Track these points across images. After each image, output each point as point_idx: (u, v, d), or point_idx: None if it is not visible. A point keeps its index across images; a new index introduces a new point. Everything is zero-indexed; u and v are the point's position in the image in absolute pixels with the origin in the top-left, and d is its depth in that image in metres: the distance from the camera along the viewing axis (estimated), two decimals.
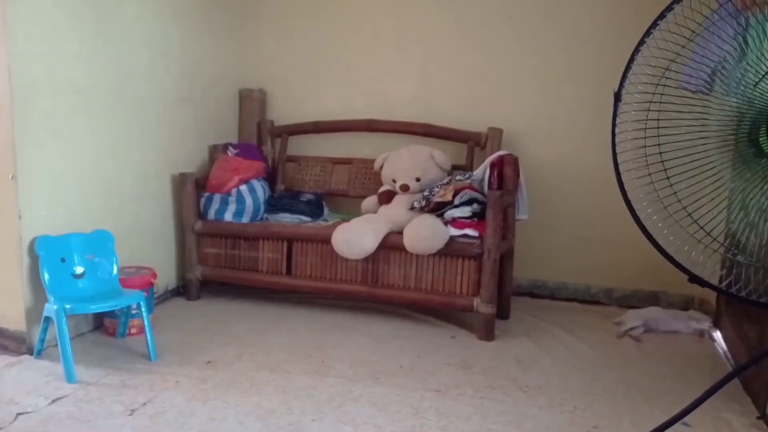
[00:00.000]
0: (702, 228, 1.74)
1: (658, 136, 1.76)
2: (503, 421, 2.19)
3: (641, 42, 1.75)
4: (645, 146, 1.79)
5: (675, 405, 2.34)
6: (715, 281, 1.81)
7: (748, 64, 1.66)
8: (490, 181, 3.21)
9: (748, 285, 1.73)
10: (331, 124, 3.87)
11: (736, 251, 1.76)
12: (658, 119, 1.76)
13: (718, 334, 3.07)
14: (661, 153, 1.76)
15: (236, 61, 3.98)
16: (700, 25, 1.69)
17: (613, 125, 1.80)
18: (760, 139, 1.68)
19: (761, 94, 1.65)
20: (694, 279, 1.78)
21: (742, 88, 1.68)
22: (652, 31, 1.73)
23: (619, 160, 1.80)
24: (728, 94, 1.71)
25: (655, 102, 1.75)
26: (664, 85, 1.74)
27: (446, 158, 3.45)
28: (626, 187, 1.80)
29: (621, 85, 1.77)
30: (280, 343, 2.87)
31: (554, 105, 3.60)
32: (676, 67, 1.75)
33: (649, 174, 1.79)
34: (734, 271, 1.78)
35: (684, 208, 1.74)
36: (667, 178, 1.76)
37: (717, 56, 1.71)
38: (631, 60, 1.76)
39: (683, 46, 1.72)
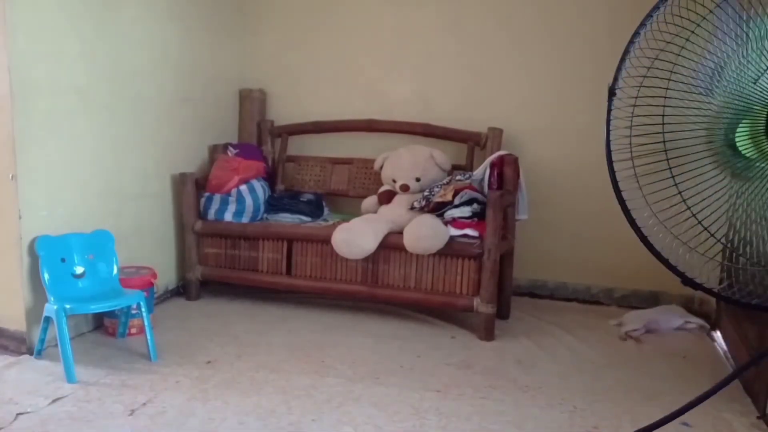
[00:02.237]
0: (703, 226, 1.72)
1: (648, 134, 1.73)
2: (503, 421, 2.19)
3: (635, 34, 1.72)
4: (630, 143, 1.75)
5: (675, 405, 2.32)
6: (714, 282, 1.80)
7: (748, 60, 1.65)
8: (490, 181, 3.21)
9: (747, 286, 1.72)
10: (331, 124, 3.87)
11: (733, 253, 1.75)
12: (645, 115, 1.73)
13: (718, 334, 3.07)
14: (647, 153, 1.74)
15: (236, 61, 3.98)
16: (703, 17, 1.66)
17: (608, 121, 1.75)
18: (737, 139, 1.67)
19: (761, 90, 1.64)
20: (687, 282, 1.77)
21: (735, 85, 1.66)
22: (645, 23, 1.71)
23: (614, 158, 1.76)
24: (725, 91, 1.69)
25: (640, 97, 1.72)
26: (648, 78, 1.70)
27: (446, 158, 3.45)
28: (621, 186, 1.76)
29: (615, 80, 1.73)
30: (280, 343, 2.87)
31: (554, 105, 3.60)
32: (661, 65, 1.72)
33: (635, 171, 1.75)
34: (732, 272, 1.77)
35: (673, 206, 1.73)
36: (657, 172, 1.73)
37: (719, 53, 1.68)
38: (626, 53, 1.72)
39: (683, 44, 1.69)
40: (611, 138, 1.74)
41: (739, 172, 1.72)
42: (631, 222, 1.74)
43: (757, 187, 1.69)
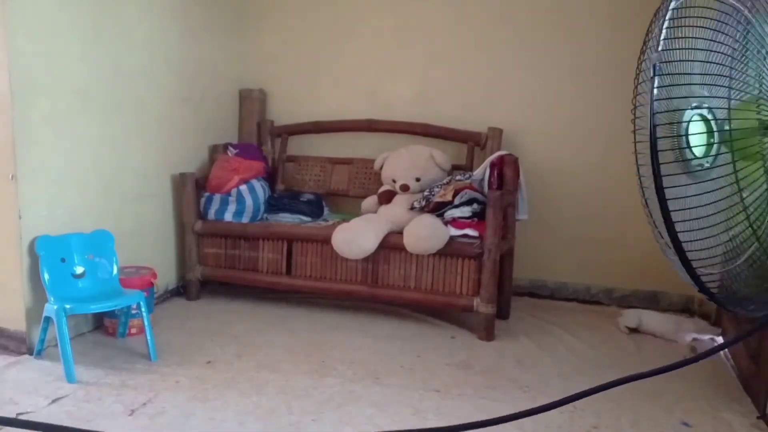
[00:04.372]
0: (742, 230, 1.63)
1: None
2: None
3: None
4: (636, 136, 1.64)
5: (675, 405, 2.35)
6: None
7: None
8: (490, 181, 3.21)
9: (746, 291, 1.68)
10: (331, 124, 3.87)
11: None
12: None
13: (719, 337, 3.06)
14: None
15: (236, 61, 3.98)
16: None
17: (651, 101, 1.52)
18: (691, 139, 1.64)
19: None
20: (702, 290, 1.68)
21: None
22: None
23: (660, 146, 1.52)
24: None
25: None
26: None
27: (446, 158, 3.45)
28: (664, 183, 1.54)
29: (660, 50, 1.52)
30: (280, 343, 2.87)
31: (554, 105, 3.60)
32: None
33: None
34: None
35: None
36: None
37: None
38: (661, 19, 1.54)
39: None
40: (657, 122, 1.52)
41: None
42: (669, 225, 1.55)
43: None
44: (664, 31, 1.56)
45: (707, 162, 1.68)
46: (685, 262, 1.60)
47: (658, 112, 1.56)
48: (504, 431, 2.12)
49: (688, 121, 1.64)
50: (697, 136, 1.66)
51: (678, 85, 1.61)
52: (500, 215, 2.93)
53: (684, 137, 1.64)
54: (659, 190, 1.55)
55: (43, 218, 2.67)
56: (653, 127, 1.55)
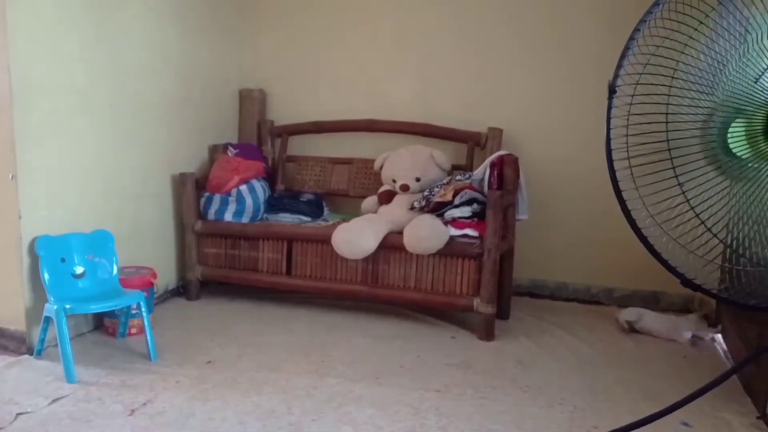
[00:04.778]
0: (706, 226, 1.72)
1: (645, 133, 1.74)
2: (503, 421, 2.19)
3: (636, 31, 1.71)
4: (627, 143, 1.74)
5: None
6: (714, 283, 1.79)
7: (748, 59, 1.66)
8: (490, 181, 3.21)
9: (747, 287, 1.72)
10: (331, 124, 3.87)
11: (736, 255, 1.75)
12: (643, 113, 1.73)
13: (718, 334, 3.07)
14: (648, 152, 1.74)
15: (236, 61, 3.98)
16: (706, 14, 1.65)
17: (608, 119, 1.72)
18: (729, 139, 1.68)
19: (761, 90, 1.64)
20: (686, 282, 1.76)
21: (735, 84, 1.67)
22: (646, 19, 1.71)
23: (614, 157, 1.74)
24: (724, 90, 1.69)
25: (637, 95, 1.71)
26: (649, 76, 1.70)
27: (446, 158, 3.45)
28: (621, 186, 1.74)
29: (615, 77, 1.71)
30: (280, 343, 2.87)
31: (554, 105, 3.60)
32: (664, 62, 1.71)
33: (632, 171, 1.76)
34: (732, 273, 1.77)
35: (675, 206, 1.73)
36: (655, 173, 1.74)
37: (723, 52, 1.68)
38: (626, 50, 1.71)
39: (687, 41, 1.68)
40: (612, 137, 1.73)
41: (733, 173, 1.72)
42: (632, 223, 1.73)
43: (755, 187, 1.68)
44: (626, 57, 1.69)
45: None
46: (656, 256, 1.75)
47: (612, 128, 1.73)
48: (505, 430, 2.13)
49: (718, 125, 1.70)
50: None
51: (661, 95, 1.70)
52: (500, 215, 2.93)
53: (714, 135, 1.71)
54: (618, 194, 1.72)
55: (43, 218, 2.67)
56: (608, 141, 1.71)
